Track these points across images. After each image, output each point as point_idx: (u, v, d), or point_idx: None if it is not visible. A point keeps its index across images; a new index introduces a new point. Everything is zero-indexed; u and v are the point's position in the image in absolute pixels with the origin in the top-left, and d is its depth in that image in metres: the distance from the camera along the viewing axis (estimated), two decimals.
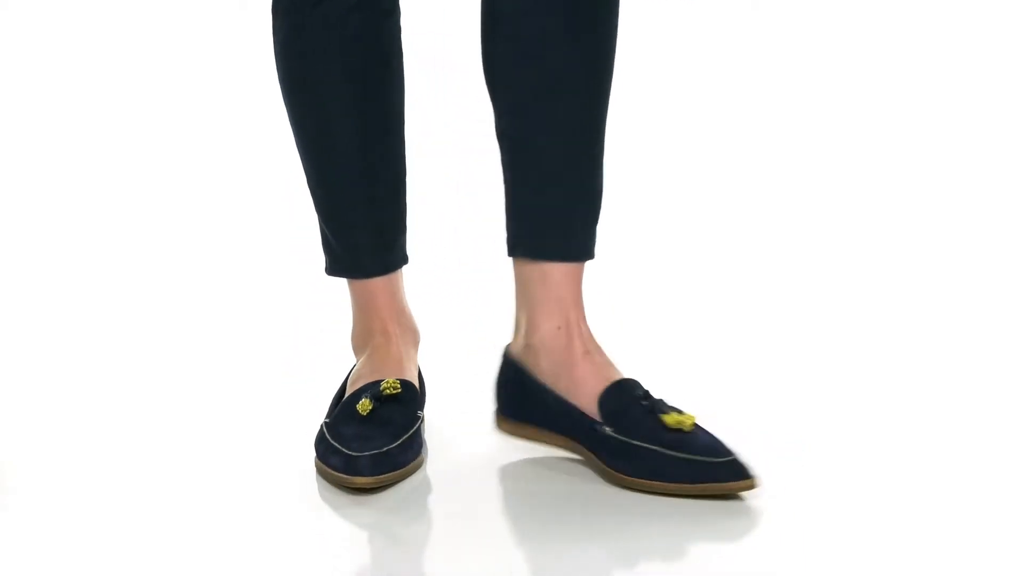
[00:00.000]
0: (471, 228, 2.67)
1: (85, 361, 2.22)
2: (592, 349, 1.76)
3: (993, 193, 2.95)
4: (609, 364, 1.76)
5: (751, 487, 1.65)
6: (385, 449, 1.70)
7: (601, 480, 1.70)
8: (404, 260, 1.88)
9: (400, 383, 1.76)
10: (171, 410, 1.99)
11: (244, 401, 2.03)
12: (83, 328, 2.38)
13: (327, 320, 2.40)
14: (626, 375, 1.75)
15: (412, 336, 1.87)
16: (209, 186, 3.07)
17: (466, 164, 2.86)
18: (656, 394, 1.74)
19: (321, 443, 1.73)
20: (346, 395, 1.78)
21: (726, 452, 1.66)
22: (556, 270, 1.76)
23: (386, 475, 1.69)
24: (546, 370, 1.76)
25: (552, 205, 1.76)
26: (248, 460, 1.81)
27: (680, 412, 1.70)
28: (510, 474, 1.74)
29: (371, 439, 1.71)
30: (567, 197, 1.76)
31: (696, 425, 1.69)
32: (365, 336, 1.86)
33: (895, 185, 3.00)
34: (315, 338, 2.28)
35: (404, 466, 1.71)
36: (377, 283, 1.85)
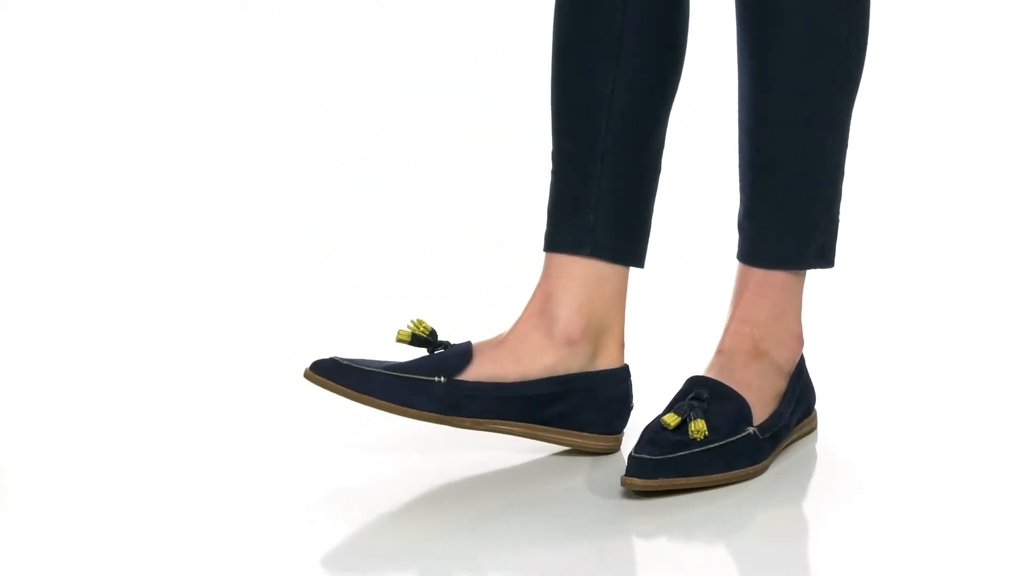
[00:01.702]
0: None
1: (85, 361, 2.21)
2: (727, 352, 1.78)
3: (993, 193, 2.95)
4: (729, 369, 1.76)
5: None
6: None
7: (605, 480, 1.70)
8: (588, 248, 1.78)
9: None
10: (171, 410, 1.99)
11: (244, 401, 2.02)
12: (83, 328, 2.38)
13: (327, 320, 2.40)
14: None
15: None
16: (209, 186, 3.07)
17: None
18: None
19: None
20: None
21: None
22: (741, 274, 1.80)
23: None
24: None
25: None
26: (248, 460, 1.81)
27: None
28: (518, 475, 1.74)
29: None
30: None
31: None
32: None
33: (895, 186, 2.99)
34: (315, 338, 2.28)
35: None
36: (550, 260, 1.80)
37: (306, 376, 1.71)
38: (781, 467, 1.73)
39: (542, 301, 1.75)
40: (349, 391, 1.70)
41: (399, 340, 1.75)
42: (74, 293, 2.57)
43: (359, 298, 2.53)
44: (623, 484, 1.65)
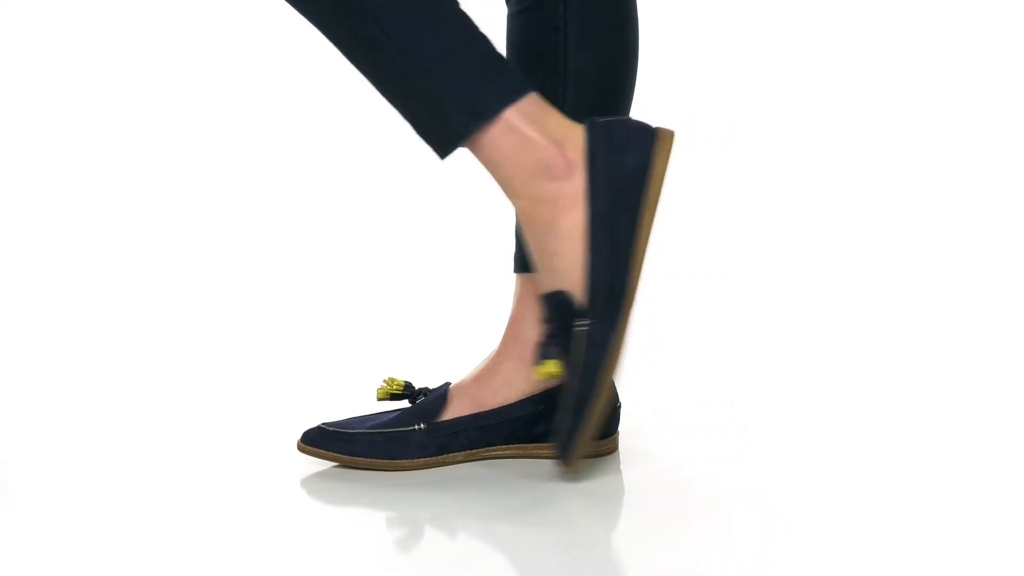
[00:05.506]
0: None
1: (86, 361, 2.22)
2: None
3: (993, 193, 2.95)
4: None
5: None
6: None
7: (602, 478, 1.70)
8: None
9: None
10: (171, 410, 1.99)
11: (245, 401, 2.03)
12: (83, 329, 2.38)
13: (326, 320, 2.40)
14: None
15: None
16: (209, 187, 3.08)
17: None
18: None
19: None
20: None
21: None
22: None
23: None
24: None
25: None
26: (247, 460, 1.81)
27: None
28: (521, 476, 1.75)
29: None
30: None
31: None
32: None
33: (894, 187, 3.00)
34: (315, 338, 2.29)
35: None
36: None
37: (298, 448, 1.74)
38: (776, 470, 1.73)
39: (515, 326, 1.77)
40: (339, 456, 1.73)
41: (380, 400, 1.77)
42: (75, 294, 2.58)
43: (359, 299, 2.54)
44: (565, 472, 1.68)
